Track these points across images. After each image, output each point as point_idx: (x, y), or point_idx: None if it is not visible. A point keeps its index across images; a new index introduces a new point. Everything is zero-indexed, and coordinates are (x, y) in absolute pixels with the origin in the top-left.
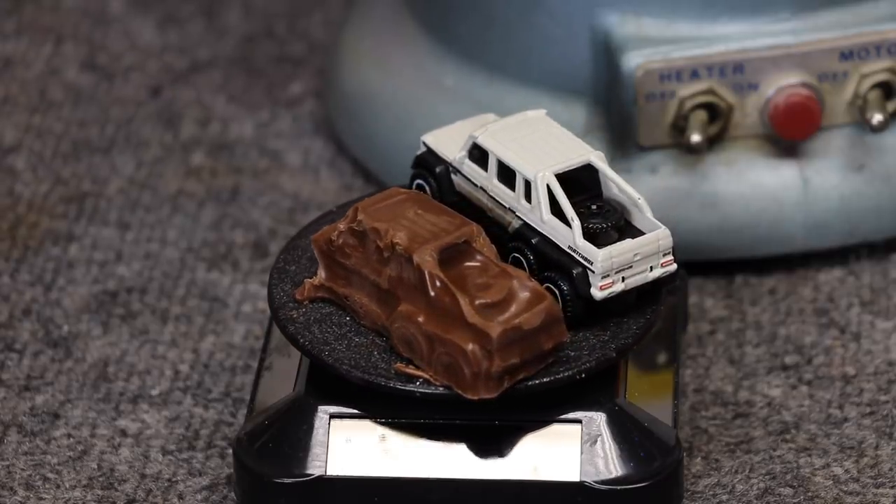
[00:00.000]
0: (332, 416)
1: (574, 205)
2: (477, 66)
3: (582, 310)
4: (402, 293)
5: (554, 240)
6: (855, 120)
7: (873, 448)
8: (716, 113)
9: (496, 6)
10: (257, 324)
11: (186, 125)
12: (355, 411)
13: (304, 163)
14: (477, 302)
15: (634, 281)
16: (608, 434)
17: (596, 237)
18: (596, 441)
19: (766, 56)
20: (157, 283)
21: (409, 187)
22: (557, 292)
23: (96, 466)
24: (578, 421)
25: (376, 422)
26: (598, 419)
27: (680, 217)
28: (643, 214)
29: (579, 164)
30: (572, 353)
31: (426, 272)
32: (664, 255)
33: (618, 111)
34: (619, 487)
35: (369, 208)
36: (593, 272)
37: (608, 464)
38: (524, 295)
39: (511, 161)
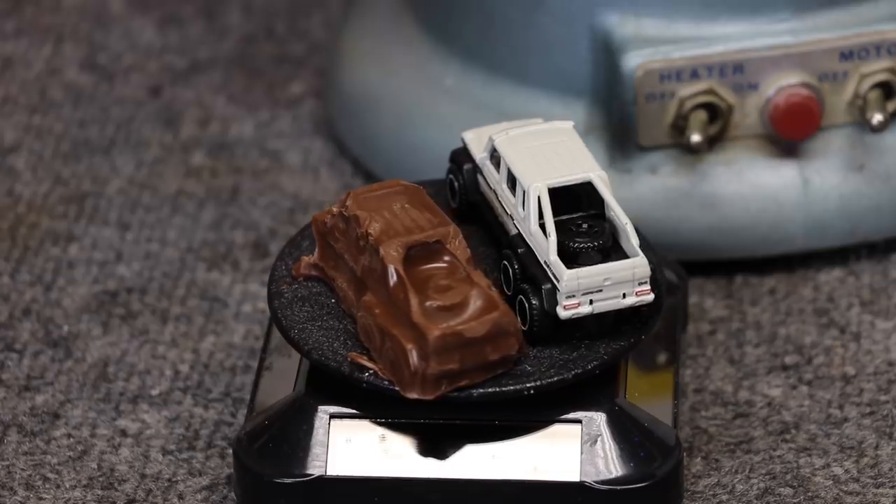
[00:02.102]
0: (332, 416)
1: (568, 221)
2: (477, 66)
3: (548, 326)
4: (370, 283)
5: (536, 253)
6: (855, 120)
7: (873, 448)
8: (716, 113)
9: (496, 6)
10: (257, 324)
11: (186, 125)
12: (355, 411)
13: (304, 163)
14: (429, 303)
15: (604, 305)
16: (608, 434)
17: (577, 256)
18: (596, 441)
19: (766, 56)
20: (157, 283)
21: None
22: (527, 305)
23: (96, 466)
24: (578, 421)
25: (376, 422)
26: (598, 419)
27: (680, 217)
28: (629, 240)
29: (578, 181)
30: (530, 368)
31: (388, 266)
32: (639, 283)
33: (618, 111)
34: (619, 487)
35: (360, 196)
36: (559, 290)
37: (608, 464)
38: (478, 303)
39: (514, 168)
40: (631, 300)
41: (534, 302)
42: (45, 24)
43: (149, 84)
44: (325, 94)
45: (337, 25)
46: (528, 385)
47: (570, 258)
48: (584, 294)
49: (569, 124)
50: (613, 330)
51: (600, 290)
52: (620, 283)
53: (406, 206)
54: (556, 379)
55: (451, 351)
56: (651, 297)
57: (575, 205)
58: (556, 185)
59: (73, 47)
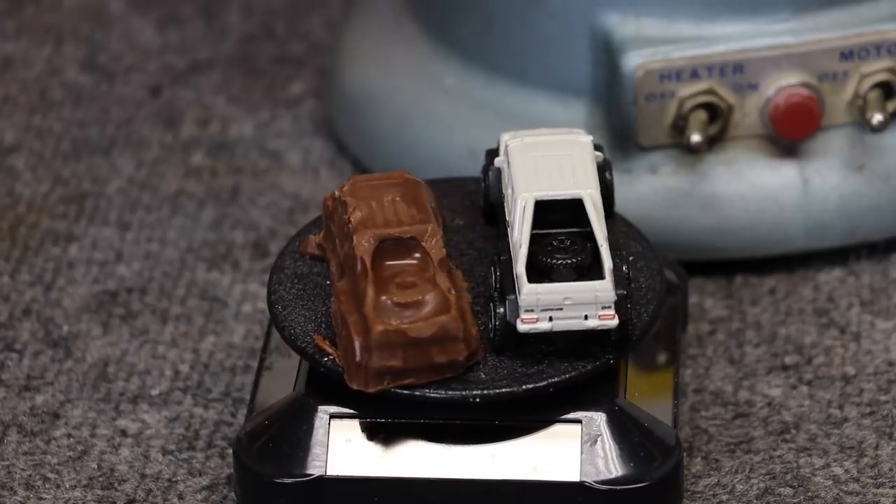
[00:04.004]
0: (332, 416)
1: (552, 235)
2: (477, 66)
3: (510, 337)
4: (346, 270)
5: (514, 262)
6: (855, 120)
7: (873, 448)
8: (716, 113)
9: (496, 6)
10: (257, 324)
11: (186, 125)
12: (355, 411)
13: (304, 163)
14: (385, 298)
15: (564, 324)
16: (608, 434)
17: (550, 271)
18: (596, 441)
19: (766, 56)
20: (157, 283)
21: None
22: (493, 313)
23: (96, 466)
24: (578, 421)
25: (376, 422)
26: (598, 419)
27: (680, 217)
28: (602, 262)
29: (567, 197)
30: (483, 376)
31: (356, 255)
32: (603, 307)
33: (618, 111)
34: (619, 487)
35: (358, 183)
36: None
37: (608, 464)
38: (432, 304)
39: (514, 174)
40: (593, 323)
41: (499, 311)
42: (45, 24)
43: (149, 84)
44: (325, 94)
45: (337, 25)
46: (474, 392)
47: (544, 273)
48: (543, 310)
49: (588, 138)
50: (581, 350)
51: (560, 309)
52: (581, 305)
53: (397, 198)
54: (504, 391)
55: (395, 348)
56: (614, 322)
57: (574, 220)
58: (545, 199)
59: (73, 47)
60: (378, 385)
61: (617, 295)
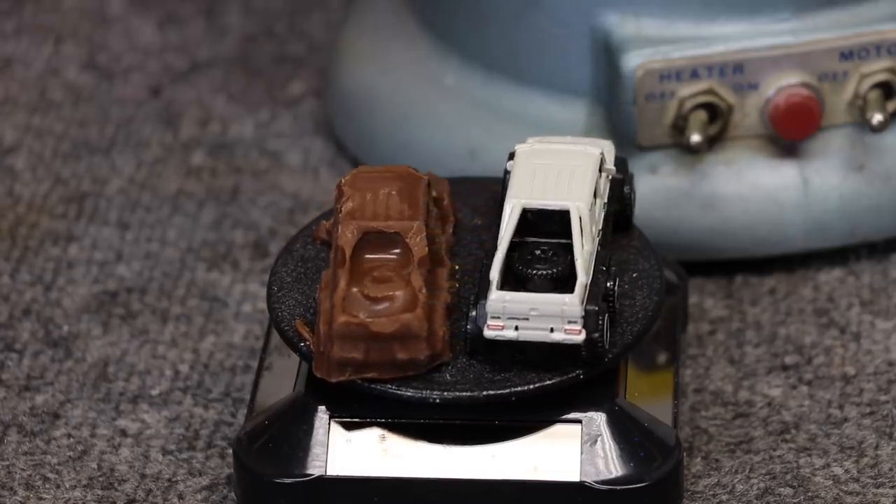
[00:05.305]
0: (332, 416)
1: (535, 244)
2: (476, 66)
3: (479, 341)
4: (333, 258)
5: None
6: (855, 120)
7: (873, 448)
8: (716, 113)
9: (496, 6)
10: (257, 324)
11: (186, 125)
12: (355, 411)
13: (304, 163)
14: (357, 289)
15: (530, 335)
16: (608, 434)
17: (526, 281)
18: (596, 441)
19: (766, 56)
20: (157, 283)
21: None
22: (466, 316)
23: (96, 466)
24: (578, 421)
25: (376, 422)
26: (598, 419)
27: (680, 217)
28: (578, 276)
29: (555, 208)
30: (449, 377)
31: (338, 245)
32: (569, 322)
33: (618, 111)
34: (619, 487)
35: (360, 174)
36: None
37: (608, 464)
38: (400, 302)
39: (513, 179)
40: (559, 336)
41: (471, 314)
42: (45, 24)
43: (149, 84)
44: (325, 94)
45: (337, 25)
46: (435, 393)
47: (520, 281)
48: (509, 318)
49: (597, 150)
50: (552, 361)
51: (527, 319)
52: (547, 317)
53: (393, 192)
54: (465, 394)
55: (356, 341)
56: (579, 338)
57: (566, 232)
58: (531, 207)
59: (73, 47)
60: (340, 375)
61: (585, 311)
